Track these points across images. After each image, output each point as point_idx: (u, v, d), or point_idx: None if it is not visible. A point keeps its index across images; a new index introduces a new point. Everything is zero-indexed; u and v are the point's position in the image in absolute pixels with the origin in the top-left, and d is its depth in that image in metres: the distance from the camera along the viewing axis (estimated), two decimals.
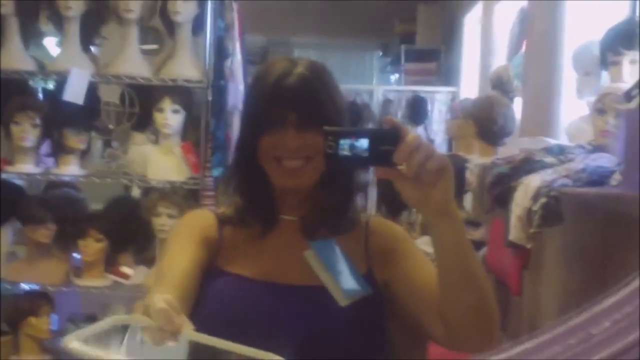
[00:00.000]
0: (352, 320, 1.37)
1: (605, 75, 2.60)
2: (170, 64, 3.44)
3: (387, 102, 6.00)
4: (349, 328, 1.37)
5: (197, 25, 3.40)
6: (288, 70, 1.40)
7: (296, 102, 1.39)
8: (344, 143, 1.15)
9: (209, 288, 1.38)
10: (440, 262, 1.24)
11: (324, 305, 1.37)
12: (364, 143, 1.15)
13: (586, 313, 0.89)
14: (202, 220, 1.50)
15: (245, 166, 1.46)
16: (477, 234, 3.38)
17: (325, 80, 1.43)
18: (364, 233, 1.49)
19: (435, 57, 6.30)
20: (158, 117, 3.42)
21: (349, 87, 6.30)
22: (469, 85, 5.55)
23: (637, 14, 2.42)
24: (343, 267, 1.43)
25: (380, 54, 7.60)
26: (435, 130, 5.75)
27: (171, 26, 3.43)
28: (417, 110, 5.83)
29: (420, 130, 5.75)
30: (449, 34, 6.28)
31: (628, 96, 2.05)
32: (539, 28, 3.37)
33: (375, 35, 7.34)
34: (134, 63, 3.43)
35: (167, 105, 3.39)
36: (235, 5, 3.49)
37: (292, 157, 1.39)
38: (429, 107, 5.90)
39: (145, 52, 3.58)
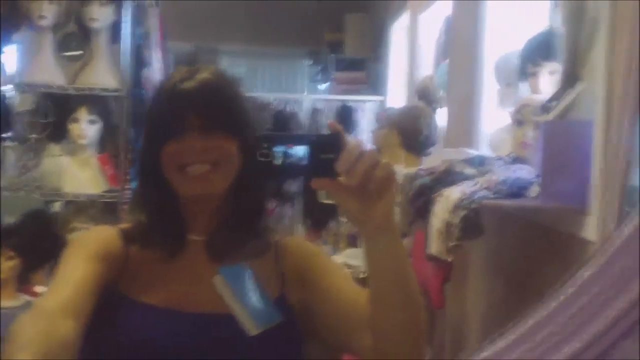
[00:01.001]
0: (264, 349, 1.30)
1: (525, 86, 2.60)
2: (87, 72, 3.33)
3: (315, 111, 5.96)
4: (261, 357, 1.30)
5: (115, 32, 3.30)
6: (189, 75, 1.33)
7: (197, 104, 1.30)
8: (281, 150, 1.08)
9: (111, 315, 1.29)
10: (377, 276, 1.18)
11: (233, 335, 1.29)
12: (303, 151, 1.07)
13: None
14: (102, 236, 1.39)
15: (150, 179, 1.37)
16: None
17: (229, 83, 1.36)
18: (276, 254, 1.42)
19: (364, 66, 6.30)
20: (74, 127, 3.31)
21: (278, 95, 6.25)
22: (397, 95, 5.56)
23: (556, 25, 2.42)
24: (253, 294, 1.35)
25: (311, 62, 7.57)
26: (365, 140, 5.73)
27: (87, 33, 3.32)
28: (346, 119, 5.80)
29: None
30: (377, 43, 6.29)
31: (545, 108, 2.04)
32: (461, 38, 3.38)
33: (305, 44, 7.31)
34: (48, 71, 3.31)
35: (83, 115, 3.28)
36: (155, 12, 3.39)
37: (197, 162, 1.29)
38: (358, 116, 5.88)
39: (68, 59, 3.45)
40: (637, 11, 1.71)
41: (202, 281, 1.33)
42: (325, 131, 1.11)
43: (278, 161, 1.09)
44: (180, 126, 1.30)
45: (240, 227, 1.37)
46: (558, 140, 1.99)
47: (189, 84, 1.31)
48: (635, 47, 1.67)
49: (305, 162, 1.08)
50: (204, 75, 1.33)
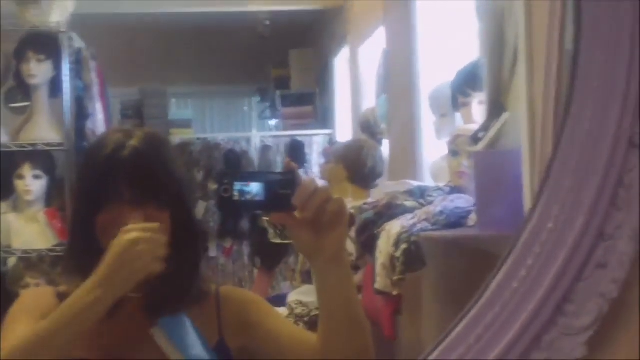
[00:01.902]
0: None
1: (459, 117, 2.66)
2: (29, 127, 3.34)
3: (265, 148, 5.99)
4: None
5: (55, 86, 3.30)
6: (121, 144, 1.34)
7: (129, 177, 1.32)
8: (240, 187, 1.12)
9: None
10: (327, 309, 1.23)
11: None
12: (259, 187, 1.12)
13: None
14: (40, 299, 1.41)
15: (83, 244, 1.38)
16: (357, 277, 3.39)
17: (162, 153, 1.38)
18: (214, 303, 1.44)
19: (311, 100, 6.34)
20: (19, 184, 3.30)
21: (227, 135, 6.26)
22: (345, 128, 5.61)
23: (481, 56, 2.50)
24: (193, 342, 1.38)
25: (259, 99, 7.61)
26: (316, 174, 5.77)
27: (27, 89, 3.33)
28: (296, 154, 5.83)
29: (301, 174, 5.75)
30: (322, 77, 6.35)
31: (475, 138, 2.10)
32: (397, 70, 3.45)
33: (252, 82, 7.35)
34: None
35: (28, 171, 3.28)
36: (93, 64, 3.41)
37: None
38: (308, 150, 5.93)
39: (15, 112, 3.46)
40: (551, 40, 1.78)
41: (140, 335, 1.35)
42: (277, 168, 1.17)
43: (237, 197, 1.12)
44: (112, 198, 1.32)
45: (176, 284, 1.40)
46: (489, 169, 2.04)
47: (121, 154, 1.33)
48: (551, 74, 1.74)
49: (262, 198, 1.12)
50: (136, 143, 1.34)
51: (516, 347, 1.03)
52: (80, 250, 1.39)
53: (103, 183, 1.33)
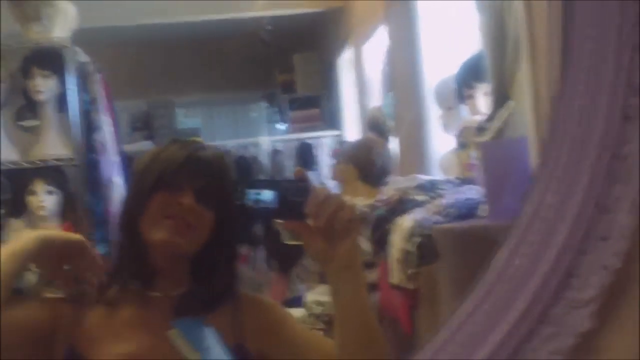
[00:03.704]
0: None
1: (465, 109, 2.67)
2: (39, 144, 3.37)
3: (275, 153, 6.01)
4: None
5: (62, 101, 3.33)
6: (201, 147, 1.44)
7: (201, 177, 1.39)
8: (251, 195, 1.14)
9: None
10: (342, 315, 1.24)
11: None
12: (272, 194, 1.14)
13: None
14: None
15: (126, 231, 1.43)
16: (373, 275, 3.40)
17: (229, 167, 1.46)
18: (234, 307, 1.46)
19: (317, 102, 6.36)
20: (32, 200, 3.32)
21: (236, 142, 6.28)
22: (353, 128, 5.62)
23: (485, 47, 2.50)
24: (210, 345, 1.39)
25: (266, 105, 7.63)
26: (326, 175, 5.78)
27: (35, 105, 3.35)
28: (306, 157, 5.86)
29: (311, 175, 5.76)
30: (328, 79, 6.37)
31: (481, 129, 2.10)
32: (401, 66, 3.46)
33: (258, 87, 7.36)
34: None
35: (40, 187, 3.30)
36: (98, 77, 3.43)
37: (177, 218, 1.37)
38: (317, 152, 5.94)
39: (25, 130, 3.49)
40: (553, 29, 1.79)
41: (162, 336, 1.37)
42: (287, 172, 1.20)
43: (250, 204, 1.14)
44: (180, 183, 1.38)
45: (203, 287, 1.43)
46: (497, 159, 2.05)
47: (203, 154, 1.42)
48: (554, 63, 1.74)
49: (274, 206, 1.14)
50: (216, 152, 1.45)
51: (524, 323, 1.04)
52: (124, 237, 1.43)
53: (180, 170, 1.39)
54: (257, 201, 1.14)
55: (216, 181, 1.41)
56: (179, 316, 1.41)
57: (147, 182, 1.42)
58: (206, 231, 1.39)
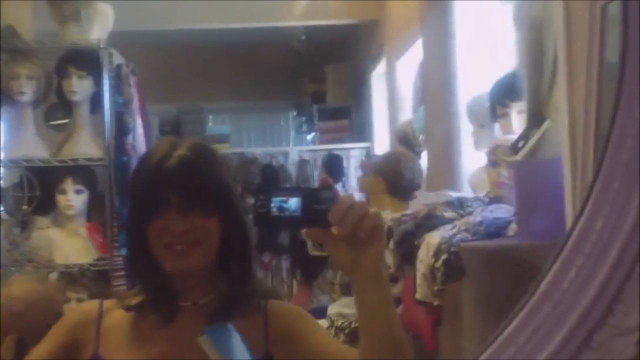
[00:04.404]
0: None
1: (497, 127, 2.65)
2: (71, 143, 3.38)
3: (302, 162, 6.01)
4: None
5: (95, 102, 3.35)
6: (168, 153, 1.36)
7: (177, 185, 1.34)
8: (276, 202, 1.12)
9: None
10: (367, 325, 1.22)
11: None
12: (296, 202, 1.12)
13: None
14: (77, 314, 1.47)
15: (137, 252, 1.42)
16: (396, 289, 3.38)
17: (209, 161, 1.39)
18: (263, 316, 1.45)
19: (347, 114, 6.36)
20: (60, 198, 3.34)
21: (264, 149, 6.30)
22: (383, 140, 5.61)
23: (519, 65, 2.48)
24: (239, 353, 1.39)
25: (295, 114, 7.65)
26: (354, 187, 5.77)
27: (69, 105, 3.38)
28: (333, 168, 5.85)
29: (339, 188, 5.76)
30: (358, 91, 6.37)
31: (515, 148, 2.08)
32: (434, 82, 3.44)
33: (288, 96, 7.39)
34: (31, 145, 3.36)
35: (69, 185, 3.32)
36: (133, 80, 3.45)
37: (179, 241, 1.35)
38: (345, 164, 5.94)
39: (55, 129, 3.52)
40: (592, 52, 1.77)
41: (190, 343, 1.36)
42: (314, 182, 1.17)
43: (274, 213, 1.12)
44: (160, 207, 1.34)
45: (229, 292, 1.42)
46: (530, 179, 2.03)
47: (169, 163, 1.34)
48: (592, 84, 1.72)
49: (298, 214, 1.12)
50: (182, 152, 1.36)
51: (567, 348, 1.01)
52: (136, 260, 1.43)
53: (152, 192, 1.35)
54: (282, 209, 1.12)
55: (202, 183, 1.35)
56: (207, 323, 1.40)
57: (134, 211, 1.40)
58: (215, 238, 1.36)
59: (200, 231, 1.34)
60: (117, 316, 1.44)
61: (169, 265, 1.38)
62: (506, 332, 1.02)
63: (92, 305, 1.48)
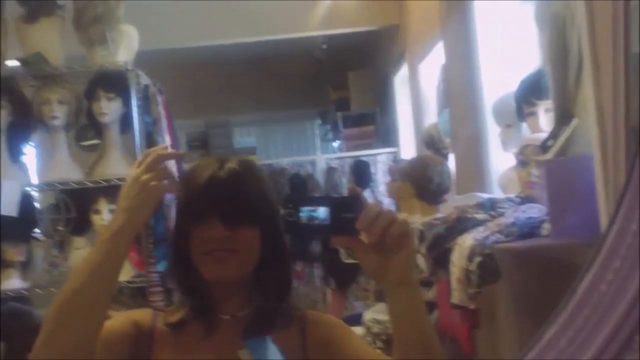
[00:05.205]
0: None
1: (525, 126, 2.65)
2: (103, 164, 3.43)
3: (330, 170, 6.03)
4: None
5: (125, 123, 3.40)
6: (219, 166, 1.41)
7: (225, 195, 1.39)
8: (305, 211, 1.14)
9: None
10: (399, 332, 1.23)
11: None
12: (324, 211, 1.14)
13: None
14: (113, 324, 1.49)
15: (180, 263, 1.45)
16: (430, 294, 3.38)
17: (255, 175, 1.44)
18: (300, 326, 1.48)
19: (372, 120, 6.38)
20: (96, 218, 3.39)
21: (291, 159, 6.33)
22: (409, 144, 5.62)
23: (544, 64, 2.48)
24: None
25: (320, 122, 7.68)
26: (382, 192, 5.78)
27: (99, 126, 3.43)
28: (361, 174, 5.87)
29: (367, 193, 5.77)
30: (382, 96, 6.39)
31: (544, 147, 2.08)
32: (457, 84, 3.44)
33: (312, 105, 7.43)
34: (65, 168, 3.41)
35: (104, 205, 3.37)
36: (160, 98, 3.50)
37: (220, 249, 1.38)
38: (372, 169, 5.95)
39: (87, 149, 3.57)
40: (617, 47, 1.77)
41: (231, 356, 1.39)
42: (342, 190, 1.19)
43: (303, 221, 1.14)
44: (207, 214, 1.37)
45: (266, 305, 1.44)
46: (561, 177, 2.03)
47: (219, 175, 1.39)
48: (619, 81, 1.72)
49: (327, 222, 1.14)
50: (232, 165, 1.41)
51: (609, 350, 1.01)
52: (177, 269, 1.46)
53: (201, 199, 1.39)
54: (311, 218, 1.14)
55: (248, 195, 1.40)
56: (245, 336, 1.43)
57: (181, 219, 1.43)
58: (254, 249, 1.39)
59: (240, 239, 1.37)
60: (164, 327, 1.47)
61: (208, 272, 1.40)
62: (547, 336, 1.03)
63: (146, 311, 1.51)
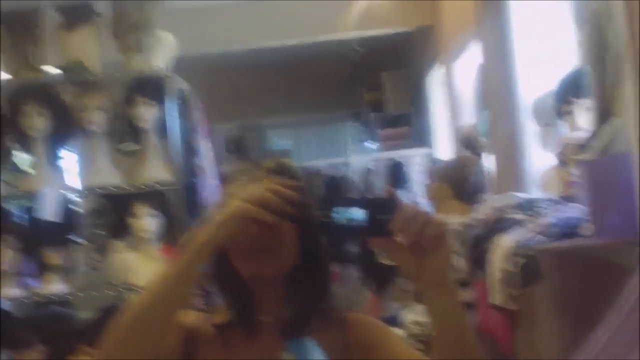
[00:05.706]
0: None
1: (564, 125, 2.62)
2: (141, 169, 3.47)
3: (365, 172, 6.03)
4: None
5: (162, 128, 3.44)
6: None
7: None
8: (340, 212, 1.15)
9: None
10: (438, 333, 1.23)
11: None
12: (359, 212, 1.14)
13: None
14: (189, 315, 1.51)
15: (219, 264, 1.46)
16: (467, 294, 3.36)
17: (293, 176, 1.44)
18: (342, 328, 1.48)
19: (406, 120, 6.36)
20: (135, 223, 3.42)
21: (326, 161, 6.34)
22: (444, 144, 5.59)
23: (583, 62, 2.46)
24: None
25: (354, 124, 7.67)
26: (417, 193, 5.76)
27: (137, 131, 3.47)
28: (396, 175, 5.86)
29: (402, 194, 5.76)
30: (416, 97, 6.37)
31: (584, 147, 2.06)
32: (495, 83, 3.42)
33: (346, 107, 7.42)
34: (104, 173, 3.46)
35: (142, 210, 3.40)
36: (197, 103, 3.53)
37: (259, 246, 1.37)
38: (407, 170, 5.93)
39: (125, 154, 3.62)
40: None
41: (271, 357, 1.40)
42: (378, 191, 1.18)
43: (338, 222, 1.15)
44: None
45: (305, 306, 1.45)
46: (601, 176, 2.01)
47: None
48: None
49: (362, 224, 1.14)
50: (267, 166, 1.43)
51: None
52: (217, 271, 1.47)
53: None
54: (347, 219, 1.15)
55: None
56: (286, 338, 1.43)
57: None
58: (291, 247, 1.39)
59: (278, 237, 1.37)
60: (209, 328, 1.48)
61: (247, 270, 1.41)
62: (595, 341, 1.01)
63: (191, 313, 1.53)
